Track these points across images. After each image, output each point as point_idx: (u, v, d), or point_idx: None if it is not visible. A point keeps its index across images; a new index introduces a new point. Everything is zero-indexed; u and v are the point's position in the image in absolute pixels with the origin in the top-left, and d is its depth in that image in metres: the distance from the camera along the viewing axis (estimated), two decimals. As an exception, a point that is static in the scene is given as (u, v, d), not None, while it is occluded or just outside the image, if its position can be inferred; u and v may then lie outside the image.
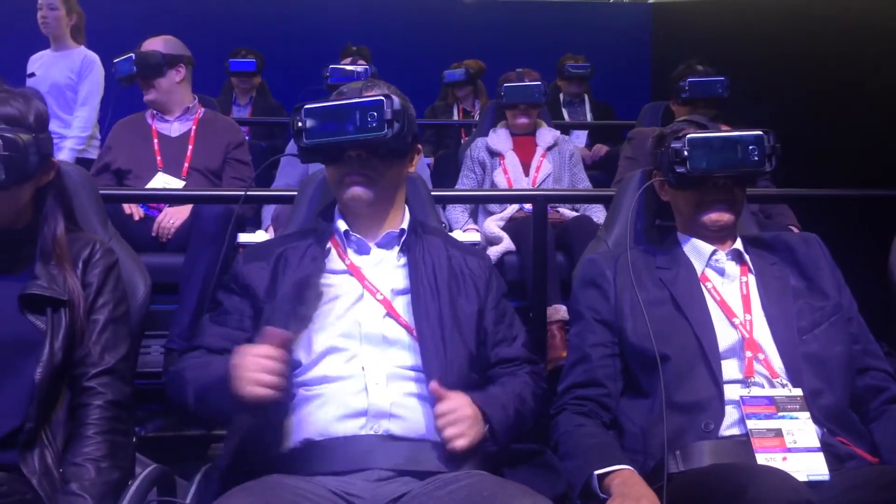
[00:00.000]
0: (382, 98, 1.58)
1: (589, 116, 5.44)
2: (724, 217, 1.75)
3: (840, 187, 3.27)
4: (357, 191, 1.63)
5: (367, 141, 1.59)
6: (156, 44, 3.24)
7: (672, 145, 1.73)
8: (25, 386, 1.48)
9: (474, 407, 1.53)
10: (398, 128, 1.58)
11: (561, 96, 5.46)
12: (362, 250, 1.68)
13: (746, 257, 1.78)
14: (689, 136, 1.72)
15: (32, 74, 4.08)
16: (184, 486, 1.57)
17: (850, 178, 3.85)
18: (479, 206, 3.57)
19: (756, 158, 1.72)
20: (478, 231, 3.41)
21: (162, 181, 3.09)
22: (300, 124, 1.60)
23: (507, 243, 3.22)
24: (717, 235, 1.78)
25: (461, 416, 1.50)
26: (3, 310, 1.53)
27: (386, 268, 1.67)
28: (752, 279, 1.76)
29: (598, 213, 3.44)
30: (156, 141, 3.21)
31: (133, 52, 3.19)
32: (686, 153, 1.71)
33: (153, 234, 2.96)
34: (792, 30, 4.76)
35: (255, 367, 1.38)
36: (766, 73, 4.83)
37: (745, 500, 1.27)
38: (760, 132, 1.73)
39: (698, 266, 1.77)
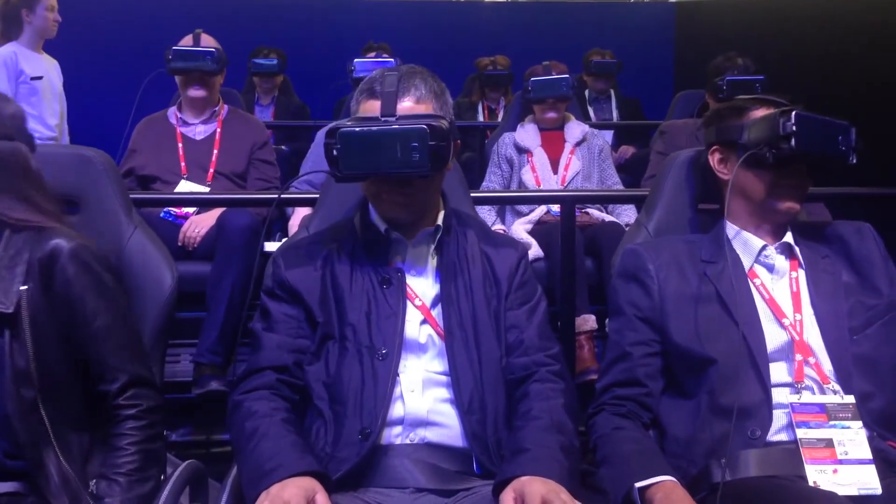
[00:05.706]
0: (426, 127, 1.46)
1: (615, 113, 5.35)
2: (797, 207, 1.68)
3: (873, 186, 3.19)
4: (396, 209, 1.58)
5: (408, 175, 1.50)
6: (212, 42, 3.19)
7: (779, 119, 1.62)
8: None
9: (545, 484, 1.33)
10: (443, 152, 1.48)
11: (587, 93, 5.34)
12: (399, 250, 1.63)
13: (797, 250, 1.71)
14: (797, 112, 1.62)
15: (40, 77, 3.88)
16: (216, 487, 1.54)
17: (884, 178, 3.77)
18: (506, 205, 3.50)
19: (844, 149, 1.64)
20: (505, 232, 3.35)
21: (186, 189, 3.00)
22: (335, 152, 1.49)
23: (535, 250, 3.11)
24: (781, 224, 1.71)
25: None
26: None
27: (422, 270, 1.62)
28: (802, 274, 1.68)
29: (628, 213, 3.37)
30: (180, 146, 3.14)
31: (206, 46, 3.13)
32: (794, 129, 1.60)
33: (179, 244, 2.86)
34: (817, 28, 4.69)
35: None
36: (790, 72, 4.74)
37: None
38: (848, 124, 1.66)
39: (746, 261, 1.69)
